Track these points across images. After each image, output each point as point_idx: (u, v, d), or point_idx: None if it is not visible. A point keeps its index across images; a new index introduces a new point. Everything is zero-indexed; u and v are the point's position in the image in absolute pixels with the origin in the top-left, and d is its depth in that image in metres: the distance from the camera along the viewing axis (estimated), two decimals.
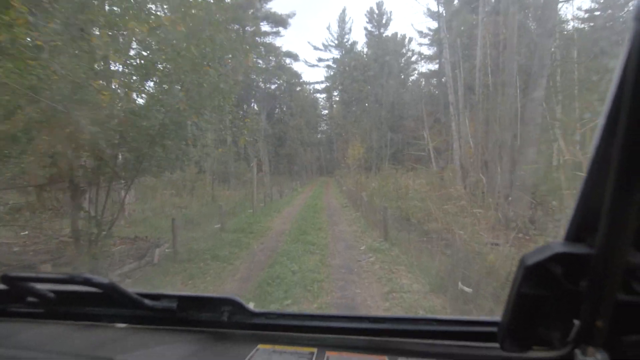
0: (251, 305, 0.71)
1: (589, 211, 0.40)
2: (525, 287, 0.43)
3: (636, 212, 0.36)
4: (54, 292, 0.70)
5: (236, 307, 0.70)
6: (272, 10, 33.38)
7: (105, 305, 0.71)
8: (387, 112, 40.10)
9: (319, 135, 51.93)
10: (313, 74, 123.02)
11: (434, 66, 42.81)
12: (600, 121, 0.37)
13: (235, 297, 0.70)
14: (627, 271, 0.39)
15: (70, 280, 0.63)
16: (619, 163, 0.34)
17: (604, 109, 0.36)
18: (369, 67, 41.86)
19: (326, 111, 55.07)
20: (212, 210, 12.92)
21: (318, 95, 52.89)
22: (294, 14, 34.55)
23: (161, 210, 12.26)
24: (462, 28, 18.79)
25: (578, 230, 0.42)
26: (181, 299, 0.70)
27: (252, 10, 31.44)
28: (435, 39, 41.75)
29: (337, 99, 52.25)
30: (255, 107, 35.87)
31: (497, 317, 0.50)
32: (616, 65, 0.34)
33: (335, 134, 48.96)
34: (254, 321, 0.70)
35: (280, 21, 34.30)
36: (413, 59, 45.41)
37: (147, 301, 0.68)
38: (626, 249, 0.38)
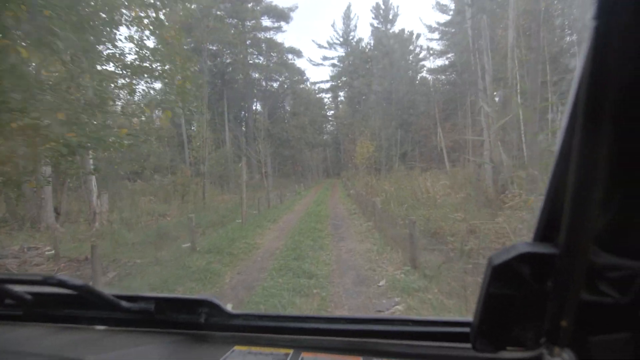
0: (229, 307, 0.70)
1: (554, 211, 0.40)
2: (494, 287, 0.43)
3: (596, 211, 0.36)
4: (31, 294, 0.70)
5: (214, 308, 0.69)
6: (273, 3, 31.68)
7: (83, 307, 0.71)
8: (396, 110, 38.16)
9: (325, 136, 50.34)
10: (318, 73, 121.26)
11: (443, 61, 41.00)
12: (563, 121, 0.37)
13: (212, 298, 0.69)
14: (592, 271, 0.39)
15: (44, 282, 0.62)
16: (577, 163, 0.34)
17: (566, 108, 0.36)
18: (376, 60, 40.04)
19: (332, 112, 53.67)
20: (198, 218, 11.07)
21: (323, 95, 51.20)
22: (296, 7, 32.89)
23: (137, 220, 10.46)
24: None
25: (545, 229, 0.42)
26: (158, 301, 0.70)
27: (251, 3, 29.79)
28: (446, 32, 39.81)
29: (343, 98, 50.63)
30: (259, 107, 34.20)
31: (471, 317, 0.49)
32: (576, 64, 0.36)
33: (341, 135, 47.26)
34: (232, 322, 0.69)
35: (281, 15, 32.57)
36: (421, 55, 43.62)
37: (124, 303, 0.68)
38: (588, 248, 0.38)
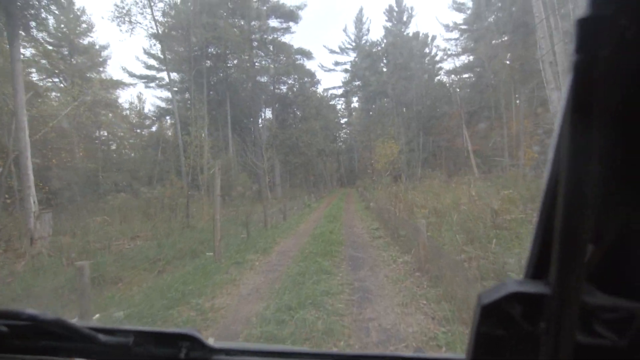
0: (211, 341, 0.67)
1: (545, 245, 0.37)
2: (484, 327, 0.40)
3: (589, 247, 0.34)
4: (7, 326, 0.69)
5: (195, 342, 0.67)
6: (280, 2, 29.44)
7: (61, 339, 0.70)
8: (415, 113, 35.17)
9: (338, 144, 47.79)
10: (330, 79, 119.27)
11: (463, 61, 38.20)
12: (549, 152, 0.36)
13: (193, 331, 0.67)
14: (587, 311, 0.37)
15: (16, 317, 0.63)
16: (565, 193, 0.32)
17: (551, 142, 0.35)
18: (390, 62, 37.44)
19: (345, 119, 51.42)
20: (169, 244, 8.31)
21: (336, 101, 48.90)
22: (305, 5, 30.41)
23: (82, 248, 7.74)
24: None
25: (536, 266, 0.40)
26: (137, 334, 0.68)
27: (256, 1, 27.65)
28: (466, 30, 37.00)
29: (357, 104, 48.23)
30: (267, 112, 31.84)
31: (464, 354, 0.45)
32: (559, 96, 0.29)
33: (356, 142, 44.62)
34: (213, 357, 0.67)
35: (290, 15, 30.29)
36: (437, 57, 40.93)
37: (101, 336, 0.67)
38: (582, 287, 0.35)
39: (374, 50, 40.12)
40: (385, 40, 40.68)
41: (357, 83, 43.65)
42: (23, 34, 16.68)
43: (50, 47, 25.23)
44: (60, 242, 8.30)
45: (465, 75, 37.67)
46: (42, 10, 8.24)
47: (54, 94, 21.24)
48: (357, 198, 22.32)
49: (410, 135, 29.32)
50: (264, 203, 12.98)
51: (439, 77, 40.74)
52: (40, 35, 24.92)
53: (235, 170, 23.24)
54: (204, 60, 23.73)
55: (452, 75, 39.35)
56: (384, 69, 39.01)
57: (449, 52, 39.54)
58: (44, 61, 23.76)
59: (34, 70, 22.48)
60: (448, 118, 33.15)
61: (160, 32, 19.20)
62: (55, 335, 0.68)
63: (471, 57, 36.15)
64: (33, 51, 23.48)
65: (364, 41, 44.71)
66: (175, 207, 14.13)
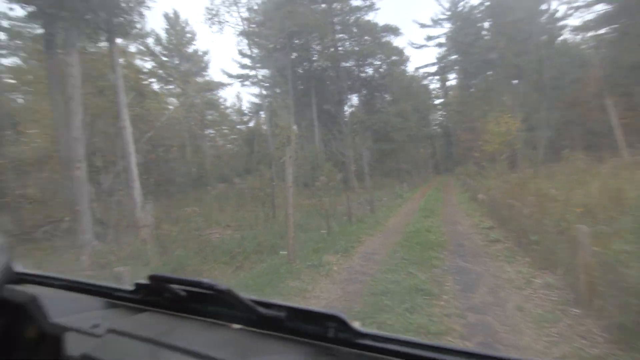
0: (357, 325, 0.68)
1: None
2: None
3: None
4: (186, 291, 0.81)
5: (341, 324, 0.68)
6: None
7: (226, 306, 0.78)
8: (534, 84, 28.89)
9: (433, 127, 43.62)
10: (422, 57, 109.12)
11: (596, 13, 29.40)
12: None
13: (340, 313, 0.68)
14: None
15: (198, 285, 0.74)
16: None
17: None
18: (495, 28, 31.54)
19: (440, 100, 46.39)
20: (251, 236, 8.09)
21: (429, 80, 44.30)
22: None
23: (175, 238, 8.09)
24: None
25: None
26: (290, 310, 0.73)
27: None
28: None
29: (454, 82, 42.83)
30: (356, 99, 30.71)
31: None
32: None
33: (453, 124, 39.75)
34: (359, 341, 0.67)
35: None
36: (559, 14, 32.65)
37: (259, 308, 0.72)
38: None
39: (476, 12, 34.46)
40: (487, 3, 34.55)
41: (453, 57, 38.61)
42: (124, 43, 19.16)
43: (165, 59, 29.28)
44: (162, 230, 8.99)
45: (602, 31, 29.12)
46: (133, 14, 8.84)
47: (171, 99, 24.56)
48: (457, 187, 19.46)
49: (526, 110, 24.15)
50: (349, 194, 11.96)
51: (562, 38, 32.74)
52: (157, 49, 29.07)
53: (320, 159, 23.00)
54: (288, 52, 23.88)
55: (582, 34, 30.99)
56: (488, 36, 33.27)
57: (575, 4, 31.14)
58: (160, 71, 27.74)
59: (154, 80, 26.47)
60: (580, 86, 26.30)
61: (246, 28, 20.10)
62: (222, 303, 0.76)
63: (609, 6, 27.65)
64: (154, 64, 27.63)
65: (460, 8, 39.04)
66: (264, 197, 14.44)
